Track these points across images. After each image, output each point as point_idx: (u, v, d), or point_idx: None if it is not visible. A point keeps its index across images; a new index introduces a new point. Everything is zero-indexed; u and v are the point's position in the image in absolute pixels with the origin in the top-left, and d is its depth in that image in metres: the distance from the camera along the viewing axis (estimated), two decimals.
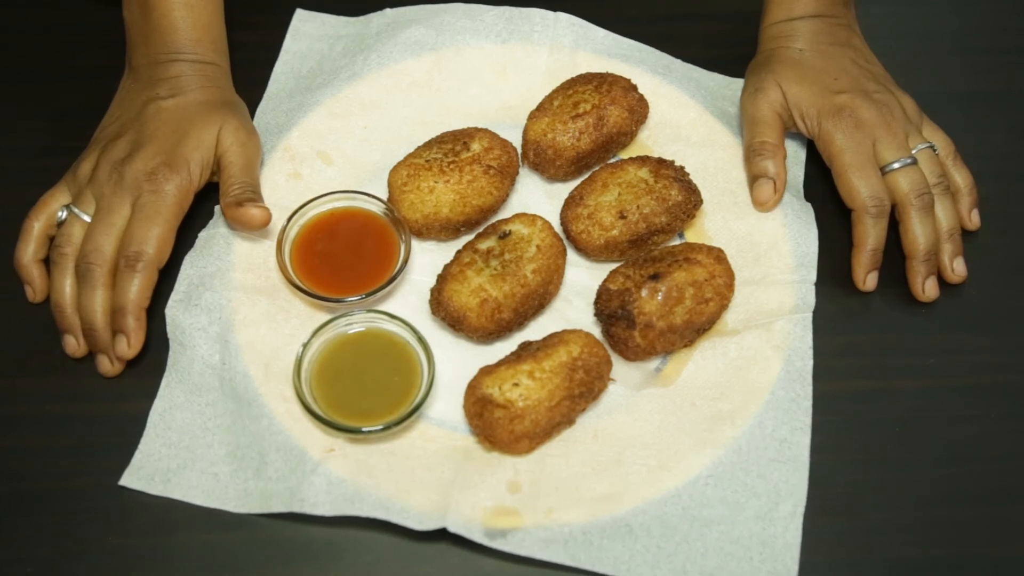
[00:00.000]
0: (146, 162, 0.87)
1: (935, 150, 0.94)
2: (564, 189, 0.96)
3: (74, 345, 0.86)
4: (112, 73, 0.98)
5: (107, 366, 0.85)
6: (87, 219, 0.87)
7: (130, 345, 0.84)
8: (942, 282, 0.93)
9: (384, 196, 0.93)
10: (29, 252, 0.88)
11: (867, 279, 0.92)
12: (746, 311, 0.90)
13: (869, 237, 0.91)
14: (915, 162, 0.92)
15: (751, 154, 0.95)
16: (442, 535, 0.78)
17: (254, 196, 0.89)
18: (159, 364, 0.86)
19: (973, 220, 0.95)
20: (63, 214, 0.88)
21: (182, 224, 0.88)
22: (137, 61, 0.95)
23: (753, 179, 0.95)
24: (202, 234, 0.92)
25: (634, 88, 0.97)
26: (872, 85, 0.95)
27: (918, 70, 1.06)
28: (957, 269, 0.92)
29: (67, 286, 0.86)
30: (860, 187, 0.91)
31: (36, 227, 0.88)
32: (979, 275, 0.94)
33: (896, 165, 0.91)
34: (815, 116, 0.93)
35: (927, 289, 0.91)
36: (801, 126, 0.95)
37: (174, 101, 0.91)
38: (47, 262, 0.89)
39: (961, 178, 0.95)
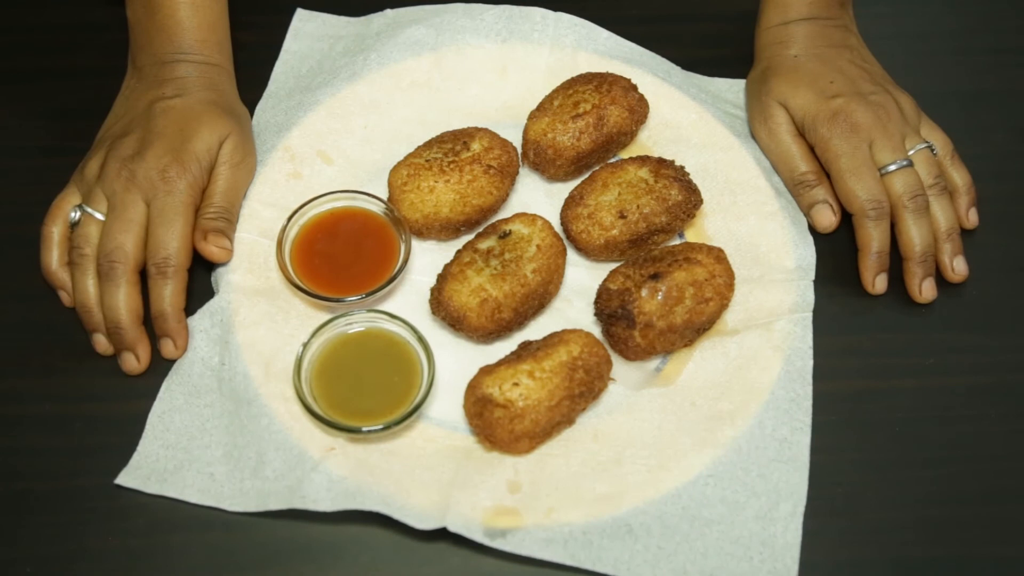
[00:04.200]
0: (157, 159, 0.87)
1: (933, 150, 0.94)
2: (564, 189, 0.96)
3: (104, 344, 0.87)
4: (112, 73, 0.98)
5: (132, 363, 0.86)
6: (100, 217, 0.87)
7: (177, 346, 0.86)
8: (942, 281, 0.93)
9: (384, 196, 0.93)
10: (55, 258, 0.89)
11: (876, 282, 0.92)
12: (746, 311, 0.90)
13: (872, 240, 0.91)
14: (911, 164, 0.91)
15: (798, 188, 0.95)
16: (442, 535, 0.78)
17: (225, 227, 0.89)
18: (159, 365, 0.86)
19: (971, 219, 0.95)
20: (76, 215, 0.88)
21: None
22: (141, 61, 0.95)
23: (808, 208, 0.94)
24: None
25: (634, 88, 0.97)
26: (868, 86, 0.95)
27: (918, 70, 1.06)
28: (958, 268, 0.92)
29: (90, 286, 0.86)
30: (858, 191, 0.91)
31: (55, 232, 0.88)
32: (979, 275, 0.94)
33: (892, 167, 0.91)
34: (812, 122, 0.93)
35: (924, 291, 0.91)
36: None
37: (180, 100, 0.91)
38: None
39: (959, 177, 0.95)
